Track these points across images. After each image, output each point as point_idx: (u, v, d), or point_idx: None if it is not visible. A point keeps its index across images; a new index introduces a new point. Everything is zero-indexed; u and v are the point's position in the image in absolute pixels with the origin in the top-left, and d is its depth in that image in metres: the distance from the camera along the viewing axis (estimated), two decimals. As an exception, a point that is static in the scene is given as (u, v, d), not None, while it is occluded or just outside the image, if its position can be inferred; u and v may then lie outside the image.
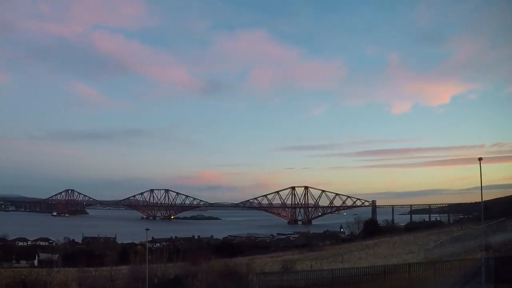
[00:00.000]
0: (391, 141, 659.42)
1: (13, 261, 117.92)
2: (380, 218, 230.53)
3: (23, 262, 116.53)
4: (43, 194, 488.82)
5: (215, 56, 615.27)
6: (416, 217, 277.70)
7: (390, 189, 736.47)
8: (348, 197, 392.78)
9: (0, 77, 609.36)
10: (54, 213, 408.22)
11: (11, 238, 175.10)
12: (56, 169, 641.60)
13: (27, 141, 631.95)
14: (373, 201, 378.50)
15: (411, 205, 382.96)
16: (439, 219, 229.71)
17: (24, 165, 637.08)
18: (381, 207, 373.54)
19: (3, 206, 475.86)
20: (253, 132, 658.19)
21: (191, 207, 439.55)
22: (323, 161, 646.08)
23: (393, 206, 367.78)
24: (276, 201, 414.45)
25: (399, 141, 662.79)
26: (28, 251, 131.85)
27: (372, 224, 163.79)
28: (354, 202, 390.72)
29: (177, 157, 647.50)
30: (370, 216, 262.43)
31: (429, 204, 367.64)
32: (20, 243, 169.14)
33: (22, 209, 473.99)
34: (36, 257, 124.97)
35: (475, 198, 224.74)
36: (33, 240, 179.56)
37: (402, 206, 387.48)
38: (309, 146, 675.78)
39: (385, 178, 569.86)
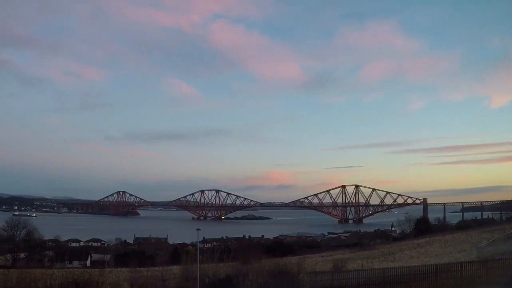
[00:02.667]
0: (478, 136, 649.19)
1: (66, 261, 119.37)
2: (432, 216, 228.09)
3: (75, 263, 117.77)
4: (95, 196, 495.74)
5: (335, 48, 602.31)
6: (468, 215, 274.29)
7: (456, 186, 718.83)
8: (399, 195, 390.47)
9: (93, 73, 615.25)
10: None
11: (63, 239, 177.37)
12: (109, 171, 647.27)
13: (103, 142, 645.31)
14: (424, 199, 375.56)
15: (463, 202, 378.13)
16: (491, 216, 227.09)
17: (83, 167, 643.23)
18: (432, 205, 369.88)
19: (55, 208, 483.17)
20: (339, 128, 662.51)
21: (241, 207, 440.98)
22: (400, 158, 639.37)
23: (444, 204, 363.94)
24: (327, 200, 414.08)
25: (486, 136, 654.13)
26: (80, 252, 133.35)
27: (424, 222, 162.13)
28: (405, 200, 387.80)
29: (252, 157, 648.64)
30: (421, 214, 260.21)
31: (481, 202, 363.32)
32: (73, 244, 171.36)
33: (74, 211, 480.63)
34: (89, 257, 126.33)
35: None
36: (85, 241, 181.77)
37: (453, 203, 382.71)
38: (389, 143, 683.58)
39: (454, 174, 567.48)
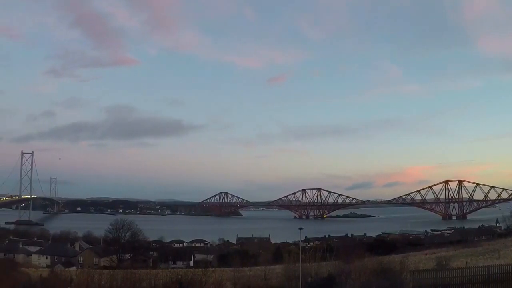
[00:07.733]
0: None
1: (170, 262, 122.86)
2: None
3: (179, 263, 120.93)
4: (198, 198, 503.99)
5: None
6: None
7: None
8: (504, 189, 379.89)
9: (286, 57, 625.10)
10: None
11: (167, 240, 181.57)
12: (212, 173, 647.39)
13: (254, 140, 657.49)
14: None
15: None
16: None
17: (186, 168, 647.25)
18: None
19: (159, 210, 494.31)
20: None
21: (343, 205, 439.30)
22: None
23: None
24: (429, 196, 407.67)
25: None
26: (184, 252, 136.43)
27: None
28: (510, 195, 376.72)
29: (404, 150, 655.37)
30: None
31: None
32: (176, 245, 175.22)
33: (178, 213, 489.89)
34: (192, 258, 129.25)
35: None
36: (189, 242, 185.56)
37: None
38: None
39: None
